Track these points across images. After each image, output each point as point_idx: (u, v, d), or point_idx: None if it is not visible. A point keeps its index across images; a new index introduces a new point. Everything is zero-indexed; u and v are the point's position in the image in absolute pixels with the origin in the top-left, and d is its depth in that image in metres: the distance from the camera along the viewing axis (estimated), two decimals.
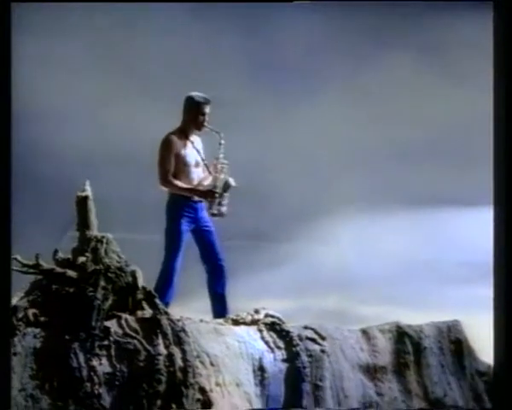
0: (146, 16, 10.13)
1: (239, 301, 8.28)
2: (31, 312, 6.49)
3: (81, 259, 6.70)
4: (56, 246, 7.04)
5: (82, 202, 6.90)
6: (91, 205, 6.93)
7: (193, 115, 7.83)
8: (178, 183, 7.75)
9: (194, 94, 7.83)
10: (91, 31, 10.15)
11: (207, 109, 7.84)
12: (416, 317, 8.51)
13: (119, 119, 9.52)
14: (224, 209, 7.91)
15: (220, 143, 7.89)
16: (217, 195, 7.83)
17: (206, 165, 7.91)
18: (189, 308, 7.98)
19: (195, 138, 7.94)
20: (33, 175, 8.46)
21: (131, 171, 8.81)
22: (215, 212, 7.88)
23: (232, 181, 7.91)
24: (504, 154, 7.47)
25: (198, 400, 6.80)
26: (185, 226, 7.77)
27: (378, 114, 10.54)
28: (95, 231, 6.87)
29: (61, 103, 9.74)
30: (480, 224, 10.29)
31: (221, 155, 7.91)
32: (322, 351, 7.59)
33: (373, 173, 10.52)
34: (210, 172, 7.89)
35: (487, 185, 10.47)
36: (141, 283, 6.87)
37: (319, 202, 10.37)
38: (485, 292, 9.88)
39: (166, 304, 7.41)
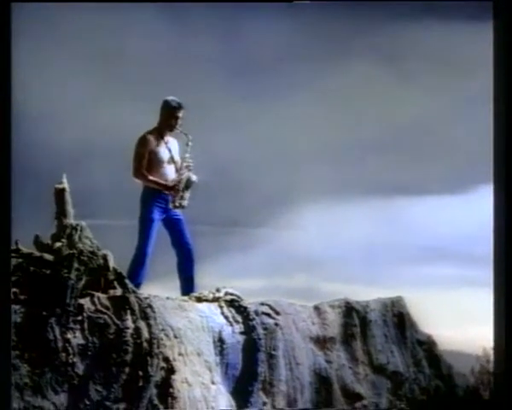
0: (133, 20, 10.06)
1: (213, 281, 8.26)
2: (11, 290, 6.64)
3: (57, 244, 6.85)
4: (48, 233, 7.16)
5: (59, 194, 7.05)
6: (68, 196, 7.07)
7: (167, 118, 7.96)
8: (148, 176, 7.89)
9: (169, 98, 7.97)
10: (80, 34, 10.01)
11: (180, 113, 7.97)
12: (372, 293, 8.62)
13: (102, 118, 9.53)
14: (185, 203, 8.03)
15: (187, 144, 8.03)
16: (179, 190, 7.95)
17: (175, 163, 8.04)
18: (161, 288, 8.08)
19: (170, 139, 8.06)
20: (27, 170, 8.53)
21: (112, 165, 8.80)
22: (177, 204, 8.00)
23: (195, 178, 8.03)
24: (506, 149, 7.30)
25: (162, 368, 6.93)
26: (157, 215, 7.90)
27: (342, 113, 10.55)
28: (70, 220, 7.01)
29: (56, 103, 9.69)
30: (431, 210, 10.59)
31: (187, 155, 8.05)
32: (276, 324, 7.74)
33: (336, 166, 10.52)
34: (177, 170, 8.02)
35: (438, 176, 10.77)
36: (112, 265, 7.02)
37: (287, 192, 10.42)
38: (433, 271, 10.21)
39: (138, 284, 7.63)
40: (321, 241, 10.28)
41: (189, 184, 8.05)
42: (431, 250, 10.15)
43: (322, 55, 10.59)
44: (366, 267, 9.99)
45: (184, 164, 8.07)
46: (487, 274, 9.41)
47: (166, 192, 7.99)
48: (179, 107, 7.95)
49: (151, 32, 10.33)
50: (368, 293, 8.66)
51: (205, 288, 8.03)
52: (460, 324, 8.84)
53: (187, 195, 8.08)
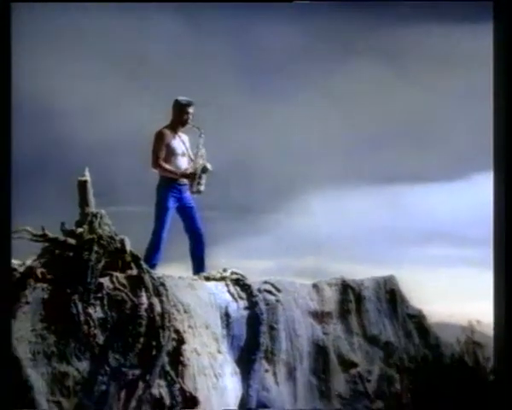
0: (150, 22, 10.33)
1: (228, 262, 8.39)
2: (39, 271, 6.93)
3: (80, 230, 7.12)
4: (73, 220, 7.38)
5: (82, 185, 7.31)
6: (89, 187, 7.31)
7: (179, 115, 8.17)
8: (166, 166, 8.10)
9: (180, 98, 8.18)
10: (100, 36, 10.25)
11: (191, 110, 8.19)
12: (373, 272, 8.80)
13: (119, 115, 9.77)
14: (202, 188, 8.23)
15: (200, 136, 8.24)
16: (195, 177, 8.15)
17: (189, 155, 8.24)
18: (176, 268, 8.29)
19: (183, 134, 8.26)
20: (55, 164, 8.81)
21: (132, 158, 9.03)
22: (194, 190, 8.19)
23: (209, 166, 8.24)
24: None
25: (173, 339, 7.12)
26: (171, 203, 8.12)
27: (347, 109, 10.88)
28: (92, 208, 7.27)
29: (62, 102, 9.90)
30: (429, 196, 10.92)
31: (200, 146, 8.26)
32: (277, 300, 7.95)
33: (342, 156, 10.90)
34: (192, 160, 8.22)
35: (436, 165, 11.01)
36: (128, 248, 7.24)
37: (296, 181, 10.73)
38: (429, 252, 10.45)
39: (154, 265, 7.86)
40: (327, 225, 10.55)
41: (204, 171, 8.21)
42: (427, 233, 10.44)
43: (328, 55, 10.90)
44: (369, 249, 10.31)
45: (199, 153, 8.24)
46: (476, 254, 9.67)
47: (184, 179, 8.16)
48: (189, 104, 8.15)
49: (167, 34, 10.64)
50: (369, 272, 8.81)
51: (221, 268, 8.15)
52: (448, 299, 9.02)
53: (203, 181, 8.24)
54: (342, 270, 9.11)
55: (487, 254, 9.91)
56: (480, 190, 10.28)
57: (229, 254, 9.50)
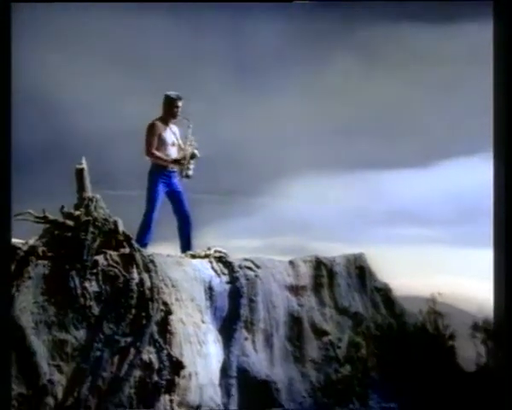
0: (148, 23, 10.30)
1: (217, 241, 8.55)
2: (40, 249, 7.06)
3: (77, 212, 7.27)
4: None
5: (79, 173, 7.46)
6: (86, 174, 7.46)
7: (169, 108, 8.36)
8: (158, 154, 8.31)
9: (169, 93, 8.37)
10: (102, 35, 10.25)
11: (180, 103, 8.36)
12: (347, 249, 9.00)
13: (115, 108, 9.84)
14: (190, 172, 8.42)
15: (189, 127, 8.44)
16: (184, 162, 8.35)
17: (179, 144, 8.43)
18: (167, 247, 8.48)
19: (173, 126, 8.44)
20: (57, 152, 8.91)
21: (126, 147, 9.14)
22: (183, 174, 8.39)
23: (197, 152, 8.43)
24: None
25: (161, 310, 7.28)
26: (161, 188, 8.32)
27: (328, 102, 10.93)
28: (88, 193, 7.41)
29: (62, 97, 9.90)
30: (400, 181, 11.10)
31: (189, 135, 8.44)
32: (256, 276, 8.16)
33: (321, 145, 10.95)
34: (181, 148, 8.41)
35: (407, 153, 11.20)
36: (121, 229, 7.37)
37: (281, 167, 10.86)
38: (397, 231, 10.64)
39: (145, 245, 8.04)
40: (307, 208, 10.69)
41: (192, 157, 8.40)
42: (396, 214, 10.62)
43: (309, 52, 10.91)
44: (344, 229, 10.47)
45: (188, 142, 8.41)
46: (439, 233, 9.90)
47: (173, 166, 8.34)
48: (178, 98, 8.32)
49: (163, 33, 10.62)
50: (344, 250, 8.97)
51: (206, 247, 8.24)
52: (413, 273, 9.21)
53: (192, 166, 8.42)
54: (320, 248, 9.36)
55: (449, 232, 10.23)
56: (444, 175, 10.62)
57: (218, 234, 9.64)
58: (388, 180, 10.99)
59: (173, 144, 8.43)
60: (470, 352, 8.62)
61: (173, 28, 10.76)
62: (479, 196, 10.27)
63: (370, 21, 10.69)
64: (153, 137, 8.31)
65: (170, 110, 8.38)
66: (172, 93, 8.39)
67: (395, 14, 10.51)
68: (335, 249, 9.03)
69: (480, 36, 10.33)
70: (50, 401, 6.84)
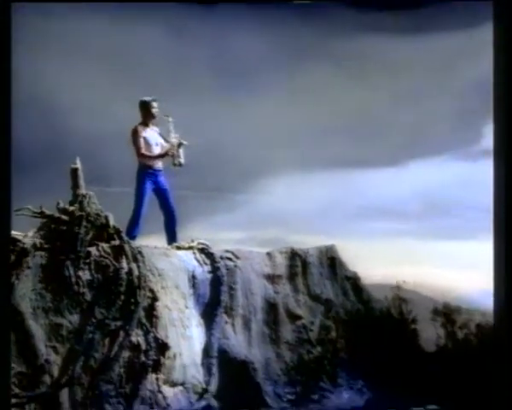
0: (138, 30, 10.31)
1: (202, 234, 8.65)
2: (38, 241, 7.22)
3: (71, 208, 7.43)
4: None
5: (74, 172, 7.60)
6: (80, 173, 7.59)
7: (146, 111, 8.45)
8: (148, 153, 8.40)
9: (144, 98, 8.45)
10: (92, 39, 10.13)
11: (155, 104, 8.42)
12: (323, 242, 9.05)
13: (109, 111, 9.81)
14: (182, 160, 8.46)
15: (169, 122, 8.46)
16: (174, 152, 8.40)
17: (161, 143, 8.49)
18: (155, 239, 8.53)
19: (154, 127, 8.52)
20: (54, 153, 8.91)
21: (118, 148, 9.06)
22: (176, 163, 8.44)
23: (183, 141, 8.46)
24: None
25: (148, 297, 7.48)
26: (148, 186, 8.42)
27: (305, 104, 10.90)
28: (82, 191, 7.55)
29: (57, 99, 9.87)
30: (372, 179, 11.13)
31: (171, 128, 8.47)
32: (236, 266, 8.30)
33: (300, 144, 10.93)
34: (167, 141, 8.45)
35: (379, 153, 11.27)
36: (112, 223, 7.55)
37: (262, 165, 10.83)
38: (369, 225, 10.76)
39: (134, 237, 8.16)
40: (287, 203, 10.68)
41: (180, 146, 8.44)
42: (369, 209, 10.63)
43: (289, 59, 10.88)
44: (321, 223, 10.38)
45: (172, 135, 8.45)
46: (408, 227, 10.12)
47: (159, 165, 8.41)
48: (153, 100, 8.40)
49: (153, 39, 10.58)
50: (320, 242, 9.03)
51: (190, 239, 8.35)
52: (380, 264, 9.31)
53: (182, 154, 8.46)
54: (296, 240, 9.31)
55: (415, 226, 10.42)
56: (411, 173, 10.84)
57: (202, 227, 9.63)
58: (360, 178, 10.94)
59: (157, 144, 8.49)
60: (430, 334, 8.83)
61: (164, 35, 10.74)
62: (442, 193, 10.70)
63: (346, 35, 10.79)
64: (139, 139, 8.38)
65: (147, 113, 8.45)
66: (146, 97, 8.45)
67: (370, 28, 10.68)
68: (311, 242, 9.08)
69: (450, 43, 10.70)
70: (47, 378, 7.01)
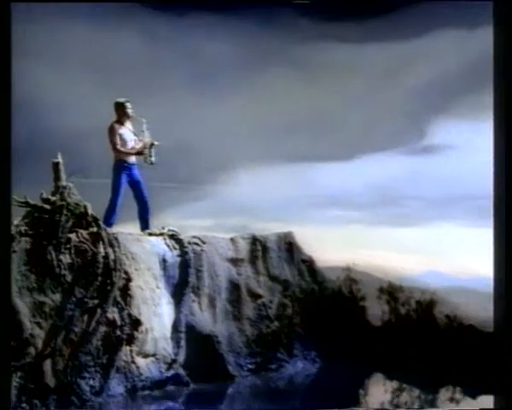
0: (112, 33, 10.30)
1: (173, 222, 8.81)
2: (23, 228, 7.34)
3: (53, 198, 7.56)
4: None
5: (55, 166, 7.73)
6: (61, 167, 7.72)
7: (121, 112, 8.55)
8: (123, 149, 8.49)
9: (118, 99, 8.53)
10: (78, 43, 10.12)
11: (129, 105, 8.51)
12: (281, 228, 9.28)
13: (88, 110, 9.80)
14: (153, 159, 8.55)
15: (143, 123, 8.57)
16: (145, 151, 8.53)
17: (135, 140, 8.60)
18: (131, 226, 8.63)
19: (128, 125, 8.62)
20: (40, 149, 8.84)
21: (96, 143, 9.12)
22: (148, 162, 8.55)
23: (155, 141, 8.57)
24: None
25: (123, 278, 7.63)
26: (123, 179, 8.52)
27: (268, 103, 10.94)
28: (62, 182, 7.67)
29: (51, 96, 9.88)
30: (328, 172, 11.27)
31: (144, 129, 8.58)
32: (202, 250, 8.47)
33: (264, 140, 10.98)
34: (141, 140, 8.56)
35: (334, 148, 11.42)
36: (90, 212, 7.66)
37: (229, 159, 10.82)
38: (325, 213, 10.93)
39: (111, 224, 8.23)
40: (250, 194, 10.75)
41: (152, 146, 8.55)
42: (325, 199, 10.80)
43: (253, 64, 10.99)
44: (281, 212, 10.51)
45: (145, 134, 8.55)
46: (358, 215, 10.35)
47: (132, 160, 8.48)
48: (127, 101, 8.50)
49: (129, 44, 10.62)
50: (280, 228, 9.27)
51: (160, 227, 8.48)
52: (334, 248, 9.56)
53: (153, 153, 8.55)
54: (259, 228, 9.48)
55: (366, 215, 10.66)
56: (363, 167, 11.06)
57: (173, 216, 9.64)
58: (316, 171, 11.05)
59: (131, 140, 8.57)
60: (376, 310, 9.14)
61: (139, 41, 10.75)
62: (388, 184, 10.94)
63: (303, 42, 10.86)
64: (115, 136, 8.45)
65: (122, 113, 8.52)
66: (121, 99, 8.53)
67: (325, 37, 10.80)
68: (271, 228, 9.28)
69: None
70: (32, 350, 7.13)
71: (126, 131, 8.66)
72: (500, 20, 6.39)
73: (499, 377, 6.94)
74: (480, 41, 8.76)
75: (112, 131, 8.56)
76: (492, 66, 6.55)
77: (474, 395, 7.95)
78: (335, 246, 9.62)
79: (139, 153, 8.62)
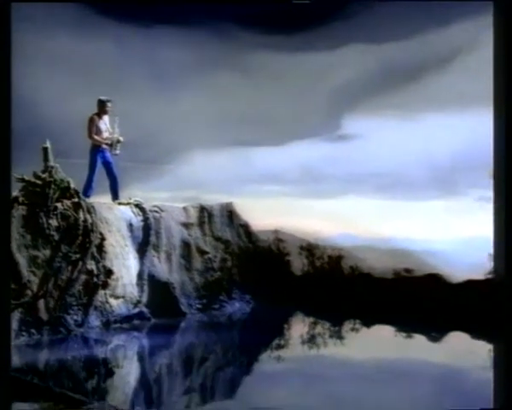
0: (94, 41, 10.63)
1: (137, 193, 9.36)
2: (20, 199, 7.81)
3: (43, 175, 8.06)
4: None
5: (44, 150, 8.21)
6: (49, 151, 8.21)
7: (101, 108, 9.19)
8: (96, 137, 9.10)
9: (101, 97, 9.12)
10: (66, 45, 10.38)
11: (109, 104, 9.14)
12: (224, 199, 9.82)
13: (71, 105, 10.31)
14: (117, 152, 9.12)
15: (115, 121, 9.16)
16: (113, 144, 9.13)
17: (109, 131, 9.26)
18: (104, 198, 9.21)
19: (105, 118, 9.25)
20: (33, 136, 9.03)
21: (78, 133, 9.60)
22: (113, 153, 9.20)
23: (121, 138, 9.17)
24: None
25: (99, 237, 8.16)
26: (98, 159, 9.16)
27: (219, 100, 11.40)
28: (50, 163, 8.14)
29: (48, 93, 10.28)
30: (265, 154, 11.64)
31: (116, 126, 9.16)
32: (161, 216, 9.04)
33: (213, 129, 11.34)
34: (110, 133, 9.21)
35: (272, 136, 11.54)
36: (72, 186, 8.22)
37: (185, 143, 11.28)
38: (262, 188, 11.28)
39: (88, 196, 8.82)
40: (201, 172, 11.25)
41: (118, 142, 9.18)
42: (261, 176, 11.42)
43: (207, 68, 11.53)
44: (226, 186, 11.05)
45: (115, 131, 9.14)
46: (289, 189, 10.95)
47: (105, 145, 9.10)
48: (108, 100, 9.15)
49: (107, 51, 11.11)
50: (223, 200, 9.86)
51: (128, 198, 8.99)
52: (266, 215, 10.22)
53: (118, 147, 9.18)
54: (207, 199, 9.99)
55: (294, 189, 11.27)
56: (293, 150, 11.45)
57: (138, 189, 10.12)
58: (255, 154, 11.52)
59: (106, 131, 9.24)
60: (298, 263, 9.96)
61: (112, 49, 11.19)
62: (313, 165, 11.49)
63: (248, 50, 11.44)
64: (92, 125, 9.07)
65: (102, 109, 9.13)
66: (103, 97, 9.14)
67: (264, 46, 11.36)
68: (216, 199, 9.85)
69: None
70: (29, 292, 7.68)
71: (103, 124, 9.24)
72: (500, 20, 5.96)
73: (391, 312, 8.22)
74: (383, 54, 10.37)
75: (91, 121, 9.14)
76: (492, 66, 6.18)
77: (368, 325, 8.78)
78: (267, 214, 10.18)
79: (107, 145, 9.12)
